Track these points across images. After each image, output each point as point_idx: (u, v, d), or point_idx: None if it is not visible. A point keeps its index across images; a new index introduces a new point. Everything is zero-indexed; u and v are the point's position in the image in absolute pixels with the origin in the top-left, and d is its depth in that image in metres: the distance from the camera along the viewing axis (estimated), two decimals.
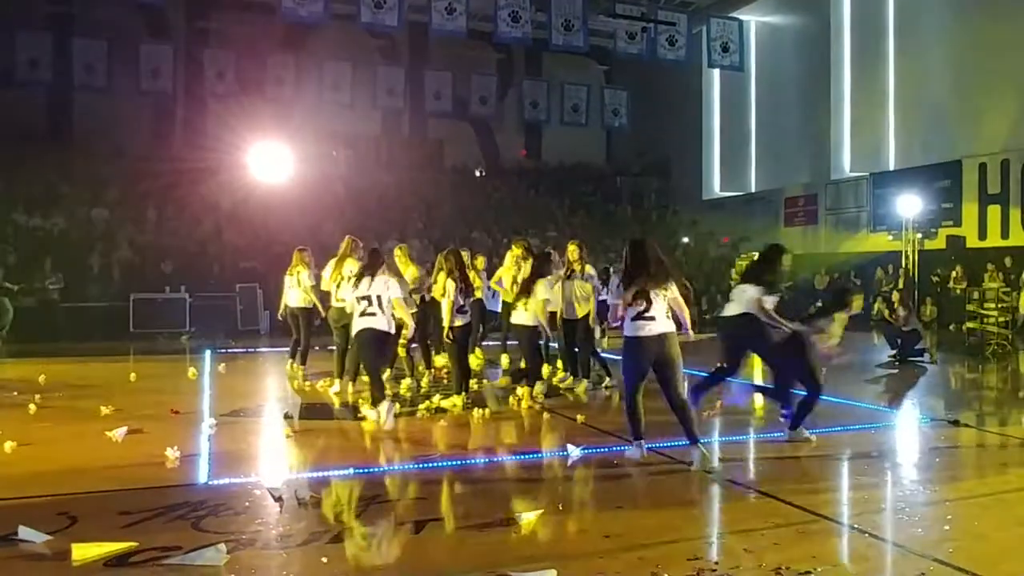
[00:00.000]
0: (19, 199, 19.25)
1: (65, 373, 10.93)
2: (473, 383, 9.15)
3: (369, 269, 7.49)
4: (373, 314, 7.33)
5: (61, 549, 3.99)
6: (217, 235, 20.10)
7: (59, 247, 17.65)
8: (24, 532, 4.14)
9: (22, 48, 20.00)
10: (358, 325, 7.42)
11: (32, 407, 7.84)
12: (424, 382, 9.55)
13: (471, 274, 10.35)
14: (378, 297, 7.35)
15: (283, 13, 17.97)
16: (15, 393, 8.95)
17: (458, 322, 8.12)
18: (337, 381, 9.19)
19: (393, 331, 7.65)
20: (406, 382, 9.40)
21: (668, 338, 5.76)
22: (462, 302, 8.14)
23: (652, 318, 5.71)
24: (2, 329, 15.16)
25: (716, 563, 3.89)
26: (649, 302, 5.71)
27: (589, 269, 9.38)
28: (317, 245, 14.90)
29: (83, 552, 3.91)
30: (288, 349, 10.98)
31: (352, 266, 8.74)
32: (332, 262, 9.44)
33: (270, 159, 20.41)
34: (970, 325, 14.45)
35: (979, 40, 18.88)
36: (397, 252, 9.73)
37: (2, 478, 5.41)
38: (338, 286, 9.12)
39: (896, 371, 11.52)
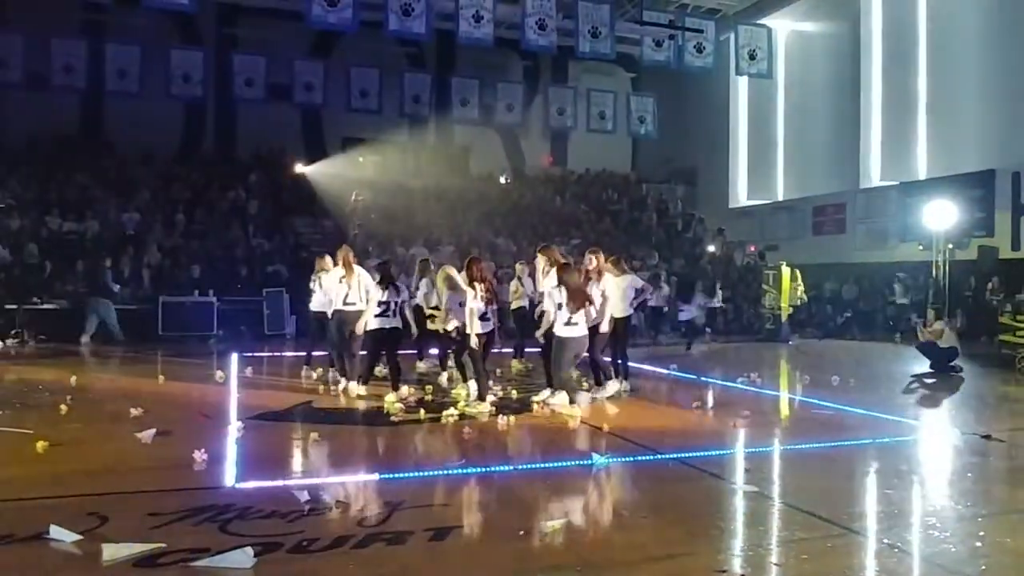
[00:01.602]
0: (53, 202, 19.56)
1: (95, 375, 11.08)
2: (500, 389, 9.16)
3: (385, 281, 8.88)
4: (388, 315, 8.81)
5: (91, 549, 4.04)
6: (245, 239, 20.28)
7: (91, 250, 17.89)
8: (55, 531, 4.20)
9: (57, 54, 20.33)
10: (375, 324, 8.82)
11: (63, 408, 7.95)
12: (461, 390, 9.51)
13: (514, 283, 10.66)
14: (395, 302, 8.85)
15: (311, 19, 18.09)
16: (47, 394, 9.09)
17: (480, 329, 8.27)
18: (343, 381, 9.58)
19: (402, 327, 9.14)
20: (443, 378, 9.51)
21: (586, 338, 8.27)
22: (484, 309, 8.30)
23: (576, 324, 8.11)
24: (87, 333, 15.48)
25: (743, 575, 3.86)
26: (574, 312, 8.03)
27: (610, 275, 9.31)
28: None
29: (113, 552, 3.96)
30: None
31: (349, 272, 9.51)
32: (335, 269, 9.72)
33: (298, 164, 20.65)
34: (1003, 338, 14.20)
35: (1012, 48, 18.62)
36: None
37: (34, 477, 5.49)
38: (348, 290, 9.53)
39: (927, 384, 11.37)
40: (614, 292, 9.21)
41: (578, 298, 8.05)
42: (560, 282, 8.10)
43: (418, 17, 18.40)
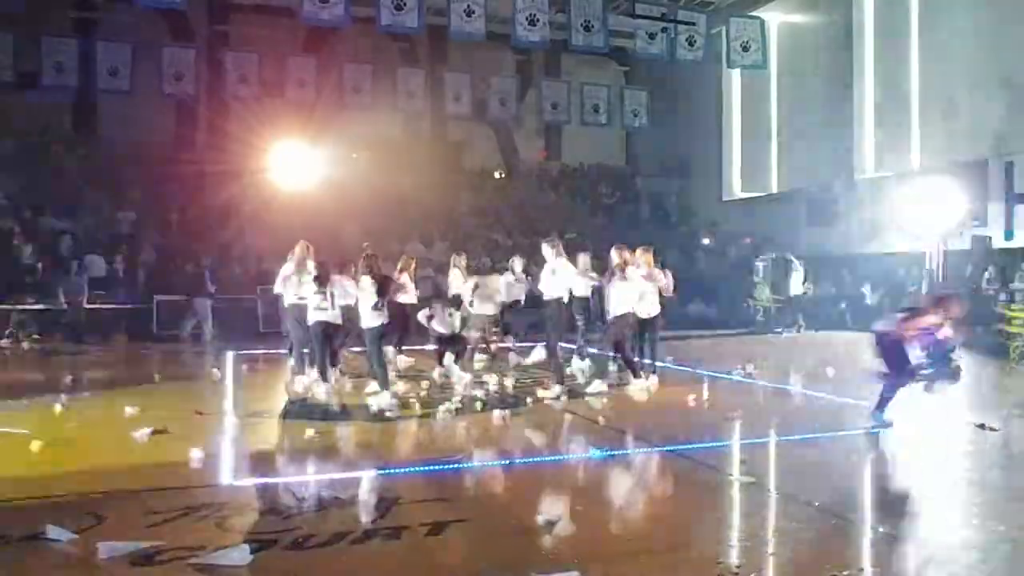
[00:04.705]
0: (45, 202, 19.49)
1: (90, 374, 11.06)
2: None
3: (323, 276, 8.94)
4: (325, 309, 8.83)
5: (88, 548, 4.03)
6: (240, 237, 20.24)
7: (84, 249, 17.83)
8: (52, 531, 4.19)
9: (48, 53, 20.17)
10: (314, 317, 8.88)
11: (58, 407, 7.93)
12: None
13: (494, 277, 10.79)
14: (331, 294, 8.86)
15: (303, 15, 18.00)
16: (42, 394, 9.06)
17: (375, 322, 8.63)
18: (298, 376, 9.58)
19: (341, 323, 9.09)
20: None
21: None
22: (376, 301, 8.64)
23: (381, 309, 8.59)
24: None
25: (739, 566, 3.87)
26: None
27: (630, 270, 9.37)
28: (337, 247, 14.99)
29: (110, 551, 3.95)
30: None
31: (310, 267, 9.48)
32: (291, 264, 9.72)
33: (292, 161, 20.60)
34: (997, 328, 14.24)
35: (1005, 37, 18.62)
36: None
37: (30, 477, 5.48)
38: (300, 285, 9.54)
39: (922, 374, 11.37)
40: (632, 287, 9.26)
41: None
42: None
43: (410, 11, 18.34)
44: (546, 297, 9.16)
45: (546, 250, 9.31)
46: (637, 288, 9.27)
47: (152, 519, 4.48)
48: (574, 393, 9.07)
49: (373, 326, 8.62)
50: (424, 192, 23.39)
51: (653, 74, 26.03)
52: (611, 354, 10.07)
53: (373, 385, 8.79)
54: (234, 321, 17.02)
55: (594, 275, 10.57)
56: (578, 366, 10.89)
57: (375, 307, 8.61)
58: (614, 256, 9.27)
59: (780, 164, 26.28)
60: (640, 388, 9.21)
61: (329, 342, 9.16)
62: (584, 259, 10.72)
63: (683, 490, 5.38)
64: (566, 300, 9.31)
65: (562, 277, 9.15)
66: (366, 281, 8.62)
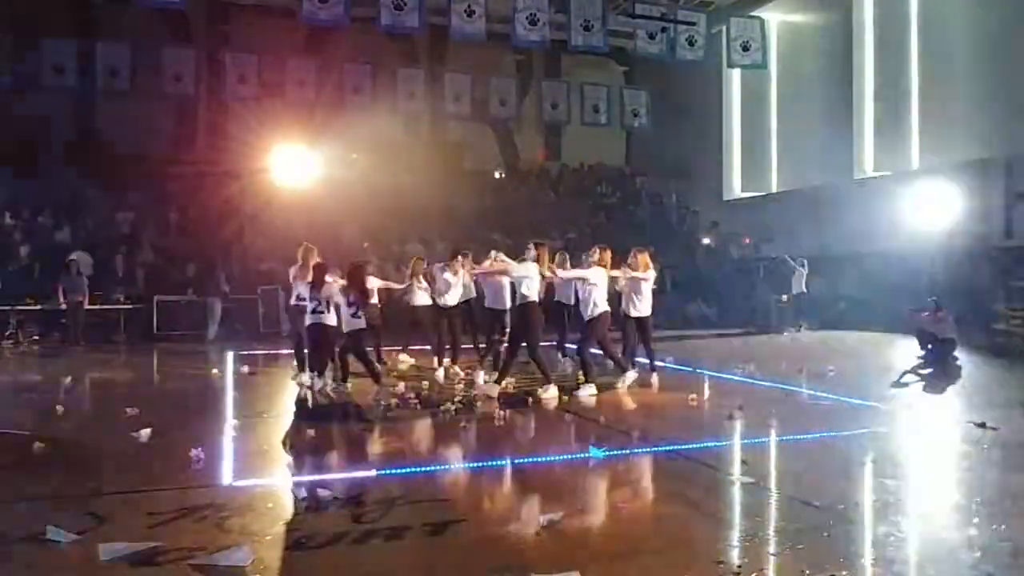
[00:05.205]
0: (44, 203, 19.49)
1: (90, 374, 11.06)
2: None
3: (318, 280, 9.05)
4: (322, 312, 8.98)
5: (88, 549, 4.03)
6: (239, 238, 20.23)
7: (84, 250, 17.82)
8: (52, 532, 4.19)
9: (47, 54, 20.19)
10: (310, 320, 9.04)
11: (59, 408, 7.93)
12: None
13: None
14: (327, 300, 9.01)
15: (303, 15, 18.02)
16: (42, 394, 9.07)
17: (354, 326, 9.08)
18: (302, 374, 9.68)
19: (335, 325, 9.22)
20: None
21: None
22: (353, 310, 9.06)
23: (360, 317, 9.09)
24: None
25: (740, 566, 3.87)
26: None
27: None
28: (337, 247, 15.01)
29: (110, 552, 3.95)
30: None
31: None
32: (296, 268, 9.74)
33: (292, 161, 20.60)
34: (997, 327, 14.25)
35: (1005, 36, 18.62)
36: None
37: (30, 478, 5.48)
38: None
39: (923, 373, 11.40)
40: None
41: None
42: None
43: (411, 11, 18.35)
44: (519, 301, 9.17)
45: (529, 254, 9.33)
46: (603, 287, 9.35)
47: (152, 520, 4.47)
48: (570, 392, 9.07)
49: (352, 330, 9.04)
50: (424, 192, 23.37)
51: (653, 74, 26.02)
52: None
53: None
54: (234, 321, 17.05)
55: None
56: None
57: (353, 315, 9.02)
58: (594, 256, 9.34)
59: (780, 164, 26.27)
60: (630, 381, 9.36)
61: (326, 344, 9.25)
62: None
63: (683, 490, 5.38)
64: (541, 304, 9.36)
65: (532, 280, 9.14)
66: (346, 291, 9.03)
